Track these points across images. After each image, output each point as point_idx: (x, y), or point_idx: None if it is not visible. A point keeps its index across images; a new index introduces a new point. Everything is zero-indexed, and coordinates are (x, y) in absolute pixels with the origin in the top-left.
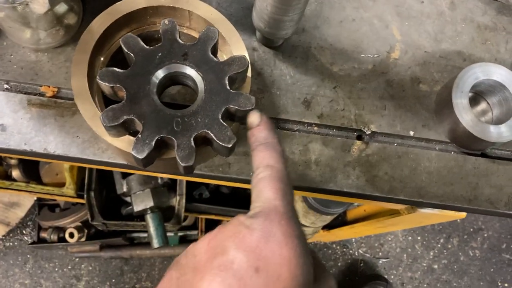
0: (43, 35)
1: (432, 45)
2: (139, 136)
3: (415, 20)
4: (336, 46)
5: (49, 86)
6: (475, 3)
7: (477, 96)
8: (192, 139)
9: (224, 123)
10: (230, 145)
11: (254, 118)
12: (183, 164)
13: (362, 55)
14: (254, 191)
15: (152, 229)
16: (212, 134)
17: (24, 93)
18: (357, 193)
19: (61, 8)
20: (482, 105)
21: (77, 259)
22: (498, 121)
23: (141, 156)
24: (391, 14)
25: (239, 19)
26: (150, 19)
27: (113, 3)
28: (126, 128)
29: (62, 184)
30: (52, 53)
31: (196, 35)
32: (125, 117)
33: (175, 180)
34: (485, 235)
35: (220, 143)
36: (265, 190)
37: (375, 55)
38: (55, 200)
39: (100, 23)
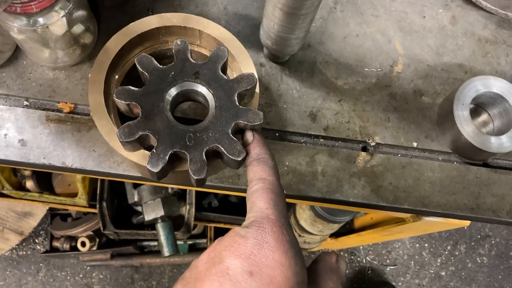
0: (60, 54)
1: (434, 59)
2: (154, 150)
3: (417, 35)
4: (341, 61)
5: (66, 103)
6: (476, 17)
7: (478, 107)
8: (203, 153)
9: (234, 138)
10: (239, 159)
11: (248, 136)
12: (195, 177)
13: (366, 69)
14: (248, 203)
15: (162, 237)
16: (222, 148)
17: (43, 109)
18: (362, 203)
19: (78, 28)
20: (484, 116)
21: (88, 267)
22: (499, 132)
23: (155, 169)
24: (394, 29)
25: (247, 36)
26: (163, 38)
27: (126, 23)
28: (141, 143)
29: (74, 194)
30: (68, 71)
31: (206, 52)
32: (140, 133)
33: (184, 190)
34: (493, 242)
35: (230, 157)
36: (257, 201)
37: (379, 69)
38: (67, 209)
39: (115, 43)
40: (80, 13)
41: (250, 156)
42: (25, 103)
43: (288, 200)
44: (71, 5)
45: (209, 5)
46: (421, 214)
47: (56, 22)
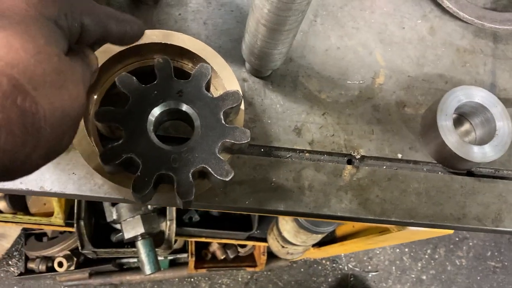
0: None
1: (415, 70)
2: (138, 174)
3: (397, 46)
4: (323, 74)
5: None
6: (453, 28)
7: (460, 117)
8: (190, 174)
9: (221, 157)
10: (228, 179)
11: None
12: (183, 200)
13: (348, 81)
14: None
15: (143, 255)
16: (210, 169)
17: None
18: (350, 217)
19: None
20: (466, 126)
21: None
22: (481, 141)
23: (141, 194)
24: (374, 41)
25: (228, 51)
26: (143, 55)
27: None
28: (125, 166)
29: (50, 214)
30: None
31: (188, 69)
32: (123, 156)
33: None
34: (470, 244)
35: (218, 177)
36: None
37: (361, 81)
38: (42, 229)
39: None
40: None
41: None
42: None
43: (275, 215)
44: None
45: (188, 21)
46: (409, 225)
47: None
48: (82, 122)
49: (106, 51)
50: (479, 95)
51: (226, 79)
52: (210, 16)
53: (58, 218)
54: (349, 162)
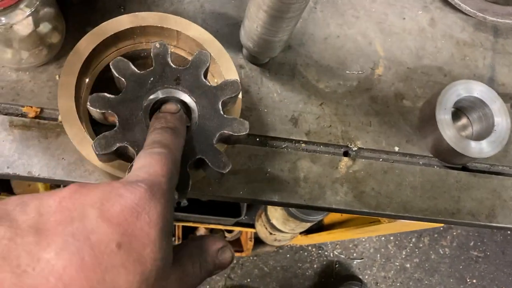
0: (25, 55)
1: (414, 61)
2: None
3: (397, 37)
4: (322, 63)
5: (31, 107)
6: (454, 20)
7: (457, 111)
8: (187, 166)
9: (219, 149)
10: (225, 171)
11: (172, 106)
12: (179, 192)
13: (347, 71)
14: (140, 161)
15: None
16: (207, 160)
17: (5, 114)
18: (345, 209)
19: (45, 28)
20: (463, 120)
21: None
22: (478, 136)
23: None
24: (374, 30)
25: (225, 36)
26: (137, 38)
27: (95, 21)
28: (119, 155)
29: None
30: (34, 72)
31: (184, 54)
32: (118, 144)
33: None
34: (454, 233)
35: (216, 169)
36: (155, 164)
37: (360, 72)
38: None
39: (86, 44)
40: (47, 10)
41: (166, 122)
42: None
43: (269, 205)
44: (37, 2)
45: (184, 3)
46: (403, 219)
47: (21, 22)
48: (74, 107)
49: (98, 34)
50: (478, 90)
51: (224, 66)
52: None
53: None
54: (346, 154)
